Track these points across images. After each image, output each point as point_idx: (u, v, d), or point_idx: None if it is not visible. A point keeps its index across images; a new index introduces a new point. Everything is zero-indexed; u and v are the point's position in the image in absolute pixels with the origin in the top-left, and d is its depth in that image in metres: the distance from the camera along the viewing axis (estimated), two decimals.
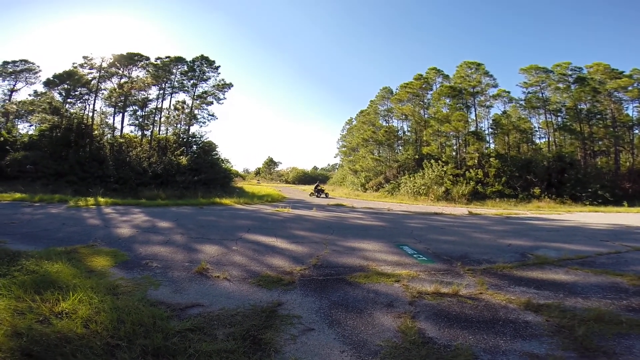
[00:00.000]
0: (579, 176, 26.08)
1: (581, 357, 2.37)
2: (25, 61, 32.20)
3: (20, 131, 28.94)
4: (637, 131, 29.63)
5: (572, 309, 3.21)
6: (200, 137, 30.83)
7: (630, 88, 28.16)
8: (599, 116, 29.73)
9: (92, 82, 27.66)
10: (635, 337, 2.67)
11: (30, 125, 29.98)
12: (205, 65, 30.96)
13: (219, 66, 31.37)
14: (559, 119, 31.24)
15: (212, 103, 31.62)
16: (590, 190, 24.10)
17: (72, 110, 27.31)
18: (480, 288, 3.82)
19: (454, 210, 16.25)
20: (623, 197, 23.37)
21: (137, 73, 29.70)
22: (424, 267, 4.79)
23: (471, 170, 28.31)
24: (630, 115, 29.62)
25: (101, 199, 13.70)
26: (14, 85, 31.94)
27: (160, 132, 30.64)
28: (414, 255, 5.47)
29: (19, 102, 31.63)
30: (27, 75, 31.96)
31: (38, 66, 32.41)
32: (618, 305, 3.38)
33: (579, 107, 30.03)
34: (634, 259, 5.50)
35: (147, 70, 29.71)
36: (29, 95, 31.37)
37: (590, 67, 30.16)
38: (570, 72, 30.43)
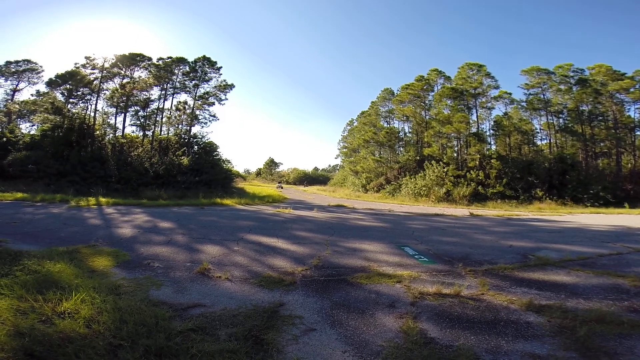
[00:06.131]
0: (580, 178, 26.04)
1: (583, 358, 2.36)
2: (28, 61, 32.32)
3: (22, 131, 28.92)
4: (638, 133, 29.66)
5: (573, 310, 3.20)
6: (201, 138, 30.88)
7: (632, 90, 28.10)
8: (600, 118, 29.69)
9: (94, 82, 27.69)
10: (637, 337, 2.66)
11: (32, 125, 30.11)
12: (207, 65, 30.97)
13: (221, 67, 31.41)
14: (561, 120, 31.19)
15: (213, 104, 31.69)
16: (591, 191, 24.09)
17: (74, 111, 27.34)
18: (482, 289, 3.81)
19: (455, 212, 16.23)
20: (624, 198, 23.33)
21: (139, 73, 29.77)
22: (426, 268, 4.78)
23: (472, 172, 28.28)
24: (632, 116, 29.62)
25: (102, 199, 13.73)
26: (17, 85, 32.11)
27: (162, 133, 30.69)
28: (416, 256, 5.47)
29: (22, 102, 31.76)
30: (29, 75, 32.12)
31: (41, 66, 32.64)
32: (619, 306, 3.37)
33: (580, 108, 29.99)
34: (635, 260, 5.48)
35: (149, 71, 29.74)
36: (32, 95, 31.62)
37: (592, 69, 30.12)
38: (572, 74, 30.41)
